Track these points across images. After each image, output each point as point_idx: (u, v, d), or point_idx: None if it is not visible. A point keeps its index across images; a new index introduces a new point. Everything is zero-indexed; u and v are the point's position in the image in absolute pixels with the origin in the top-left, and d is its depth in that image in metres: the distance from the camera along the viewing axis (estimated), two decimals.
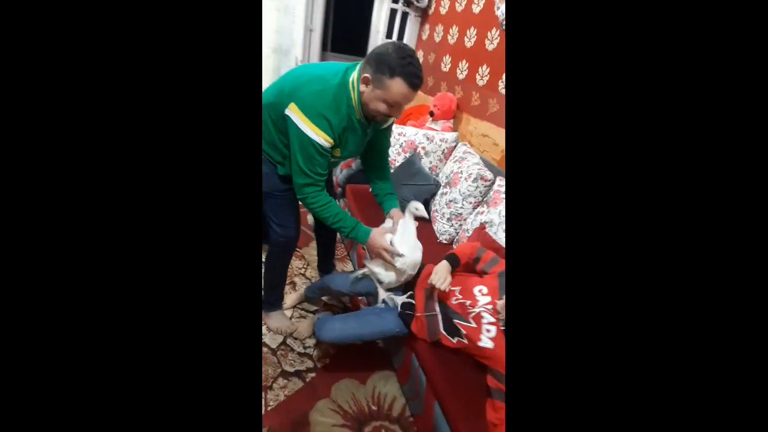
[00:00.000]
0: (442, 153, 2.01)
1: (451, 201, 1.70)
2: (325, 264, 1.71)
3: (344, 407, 1.27)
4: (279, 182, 1.20)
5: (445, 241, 1.73)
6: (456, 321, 1.10)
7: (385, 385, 1.36)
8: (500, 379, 0.96)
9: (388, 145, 1.31)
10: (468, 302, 1.09)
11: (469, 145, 1.93)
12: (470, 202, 1.65)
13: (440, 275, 1.09)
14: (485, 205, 1.56)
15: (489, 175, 1.62)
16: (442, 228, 1.73)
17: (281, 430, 1.16)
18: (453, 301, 1.13)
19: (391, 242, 1.19)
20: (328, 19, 2.91)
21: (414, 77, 0.94)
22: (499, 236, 1.36)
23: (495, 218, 1.43)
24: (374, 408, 1.28)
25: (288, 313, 1.58)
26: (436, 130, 2.12)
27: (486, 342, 1.02)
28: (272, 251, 1.38)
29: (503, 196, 1.48)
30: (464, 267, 1.21)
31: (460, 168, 1.75)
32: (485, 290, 1.09)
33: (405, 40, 2.81)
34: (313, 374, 1.36)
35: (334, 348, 1.45)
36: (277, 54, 2.57)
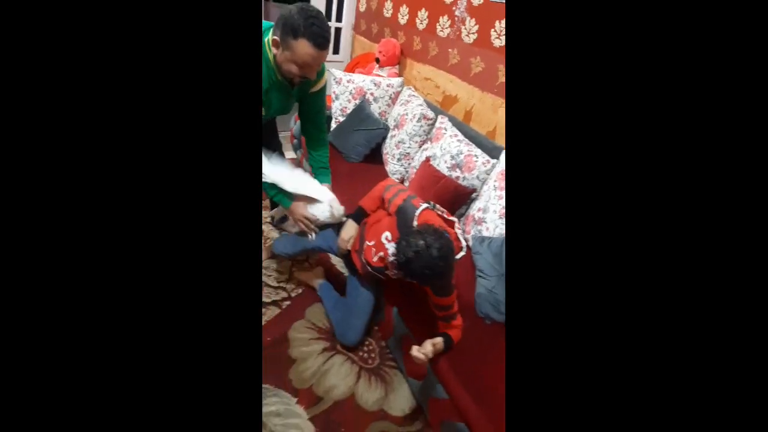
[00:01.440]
0: (390, 98, 2.12)
1: (399, 142, 1.85)
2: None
3: (318, 324, 1.47)
4: None
5: (396, 180, 1.90)
6: (386, 273, 1.16)
7: None
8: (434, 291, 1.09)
9: (320, 111, 1.29)
10: (381, 254, 1.13)
11: (413, 89, 2.05)
12: (416, 141, 1.81)
13: (344, 236, 1.23)
14: (429, 142, 1.73)
15: (431, 113, 1.77)
16: (393, 168, 1.89)
17: (265, 347, 1.35)
18: (374, 259, 1.16)
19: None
20: None
21: (318, 37, 0.93)
22: (441, 167, 1.55)
23: (437, 152, 1.60)
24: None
25: None
26: (383, 77, 2.21)
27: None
28: None
29: (444, 131, 1.65)
30: (377, 211, 1.24)
31: (405, 110, 1.89)
32: (390, 236, 1.11)
33: None
34: (288, 302, 1.54)
35: (305, 282, 1.63)
36: None
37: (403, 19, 2.24)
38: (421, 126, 1.78)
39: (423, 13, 2.05)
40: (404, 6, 2.21)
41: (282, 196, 1.27)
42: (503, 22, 1.54)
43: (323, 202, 1.26)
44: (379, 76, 2.24)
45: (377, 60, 2.29)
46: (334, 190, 1.33)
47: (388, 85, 2.11)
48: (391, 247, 1.09)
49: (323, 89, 1.24)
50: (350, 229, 1.25)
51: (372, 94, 2.11)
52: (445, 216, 1.09)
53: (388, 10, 2.39)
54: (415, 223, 1.04)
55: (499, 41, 1.58)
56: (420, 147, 1.82)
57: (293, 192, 1.25)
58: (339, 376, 1.31)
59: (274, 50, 1.01)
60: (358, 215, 1.26)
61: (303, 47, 0.95)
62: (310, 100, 1.25)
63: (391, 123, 2.00)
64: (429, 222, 1.02)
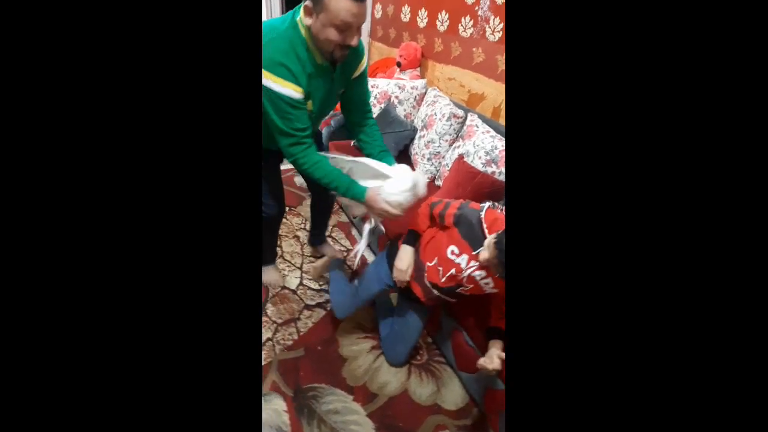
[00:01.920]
0: (414, 100, 2.16)
1: (429, 142, 1.88)
2: (317, 235, 1.71)
3: (363, 323, 1.50)
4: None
5: (427, 179, 1.93)
6: (457, 292, 1.10)
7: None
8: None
9: (367, 96, 1.21)
10: (452, 271, 1.05)
11: (438, 90, 2.08)
12: (446, 140, 1.84)
13: (401, 266, 1.11)
14: (461, 140, 1.75)
15: (460, 112, 1.80)
16: (424, 168, 1.92)
17: (315, 346, 1.38)
18: (441, 280, 1.08)
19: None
20: None
21: None
22: (475, 163, 1.57)
23: (470, 149, 1.63)
24: None
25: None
26: (405, 80, 2.25)
27: (490, 290, 1.04)
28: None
29: (476, 128, 1.68)
30: (429, 228, 1.15)
31: (433, 111, 1.92)
32: (456, 250, 1.04)
33: None
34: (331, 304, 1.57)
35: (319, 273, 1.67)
36: None
37: (422, 23, 2.28)
38: (451, 125, 1.81)
39: (443, 15, 2.09)
40: (423, 9, 2.25)
41: (354, 190, 1.11)
42: None
43: (405, 180, 1.09)
44: (401, 79, 2.28)
45: (398, 64, 2.33)
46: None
47: (412, 88, 2.15)
48: (463, 260, 1.02)
49: (365, 72, 1.15)
50: (406, 256, 1.13)
51: (397, 97, 2.15)
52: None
53: (405, 15, 2.43)
54: (484, 225, 0.98)
55: None
56: (451, 146, 1.84)
57: (368, 181, 1.12)
58: (390, 373, 1.33)
59: (307, 20, 0.91)
60: (411, 239, 1.15)
61: (340, 2, 0.84)
62: (355, 86, 1.14)
63: (418, 124, 2.03)
64: (496, 219, 0.99)
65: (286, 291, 1.60)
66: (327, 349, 1.39)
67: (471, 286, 1.05)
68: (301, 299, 1.57)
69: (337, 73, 1.05)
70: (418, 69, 2.35)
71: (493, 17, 1.76)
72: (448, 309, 1.30)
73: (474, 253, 0.99)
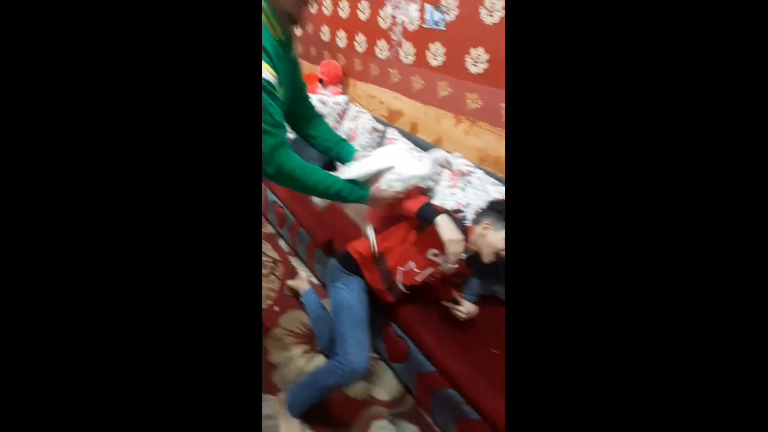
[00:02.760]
0: (337, 114, 2.26)
1: None
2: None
3: (294, 330, 1.50)
4: None
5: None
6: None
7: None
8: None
9: (304, 84, 1.08)
10: (429, 270, 1.13)
11: (359, 105, 2.21)
12: (369, 152, 1.96)
13: (455, 238, 0.97)
14: None
15: (381, 126, 1.94)
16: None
17: None
18: (418, 279, 1.16)
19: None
20: None
21: None
22: None
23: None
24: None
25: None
26: (328, 95, 2.35)
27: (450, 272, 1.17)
28: None
29: (395, 141, 1.82)
30: (393, 235, 1.18)
31: (356, 125, 2.03)
32: (437, 251, 1.09)
33: None
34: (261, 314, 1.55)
35: (273, 294, 1.65)
36: None
37: (341, 43, 2.41)
38: (373, 137, 1.94)
39: (361, 37, 2.25)
40: (341, 30, 2.39)
41: (353, 189, 0.99)
42: (437, 44, 1.78)
43: (423, 161, 1.05)
44: (323, 95, 2.37)
45: (320, 80, 2.42)
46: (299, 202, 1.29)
47: (335, 103, 2.25)
48: (442, 259, 1.09)
49: (297, 59, 1.02)
50: (450, 225, 0.99)
51: (320, 112, 2.22)
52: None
53: (325, 35, 2.55)
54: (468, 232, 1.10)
55: (435, 61, 1.82)
56: None
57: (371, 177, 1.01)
58: None
59: None
60: (434, 210, 1.03)
61: None
62: (295, 74, 0.99)
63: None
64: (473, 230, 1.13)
65: None
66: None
67: (438, 277, 1.18)
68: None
69: (293, 52, 0.91)
70: (340, 86, 2.47)
71: (404, 41, 1.95)
72: (378, 306, 1.37)
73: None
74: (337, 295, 1.18)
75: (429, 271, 1.15)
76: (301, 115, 1.07)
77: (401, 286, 1.18)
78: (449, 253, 0.98)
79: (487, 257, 1.07)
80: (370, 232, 1.16)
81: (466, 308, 1.15)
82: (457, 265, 1.13)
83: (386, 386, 1.36)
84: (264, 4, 0.80)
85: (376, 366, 1.42)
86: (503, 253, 1.06)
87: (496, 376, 1.06)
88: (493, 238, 1.06)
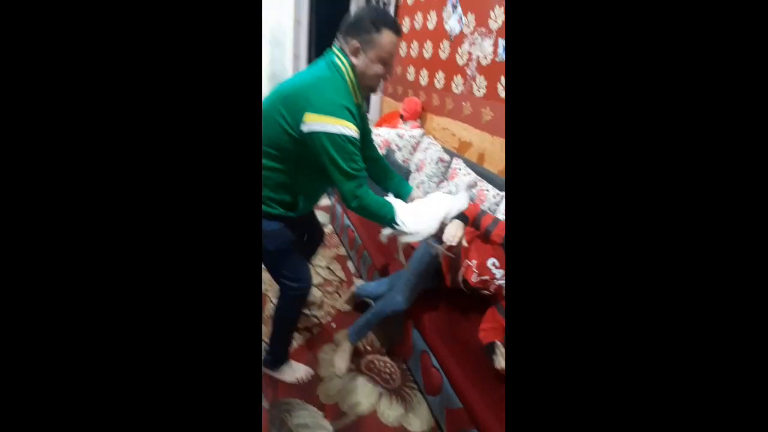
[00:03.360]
0: (412, 146, 2.37)
1: (420, 183, 2.05)
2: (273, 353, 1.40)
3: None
4: (290, 233, 1.13)
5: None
6: (479, 292, 1.29)
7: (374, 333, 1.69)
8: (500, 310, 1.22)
9: (370, 131, 1.24)
10: (486, 277, 1.24)
11: (432, 138, 2.30)
12: (434, 181, 2.01)
13: (452, 232, 1.12)
14: (446, 181, 1.92)
15: (446, 156, 1.98)
16: None
17: (302, 361, 1.47)
18: (473, 279, 1.26)
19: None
20: (311, 45, 3.36)
21: (396, 24, 0.96)
22: None
23: (452, 188, 1.79)
24: (368, 348, 1.60)
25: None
26: (406, 129, 2.49)
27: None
28: (287, 307, 1.27)
29: (458, 170, 1.84)
30: (471, 225, 1.26)
31: (425, 156, 2.12)
32: (497, 263, 1.23)
33: None
34: (318, 328, 1.68)
35: (333, 311, 1.78)
36: (272, 81, 3.04)
37: (423, 81, 2.56)
38: (438, 167, 1.99)
39: (440, 75, 2.36)
40: (424, 69, 2.54)
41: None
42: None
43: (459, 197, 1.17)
44: (402, 129, 2.53)
45: (401, 116, 2.59)
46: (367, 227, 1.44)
47: (410, 136, 2.38)
48: (499, 273, 1.21)
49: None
50: (459, 228, 1.15)
51: (396, 144, 2.38)
52: None
53: (410, 74, 2.74)
54: None
55: (505, 93, 1.80)
56: (438, 185, 2.00)
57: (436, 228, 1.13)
58: (362, 394, 1.39)
59: (354, 59, 0.97)
60: (463, 218, 1.18)
61: (387, 37, 0.94)
62: (365, 120, 1.16)
63: (412, 167, 2.23)
64: None
65: None
66: None
67: (495, 293, 1.26)
68: None
69: (363, 111, 1.10)
70: (419, 120, 2.60)
71: (479, 76, 1.99)
72: (420, 329, 1.37)
73: None
74: (419, 249, 1.38)
75: (486, 277, 1.25)
76: (368, 155, 1.21)
77: (461, 278, 1.30)
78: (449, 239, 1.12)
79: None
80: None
81: (503, 362, 1.09)
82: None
83: (419, 417, 1.33)
84: (352, 74, 0.99)
85: (412, 395, 1.40)
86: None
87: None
88: None
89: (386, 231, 1.16)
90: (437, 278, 1.37)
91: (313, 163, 0.98)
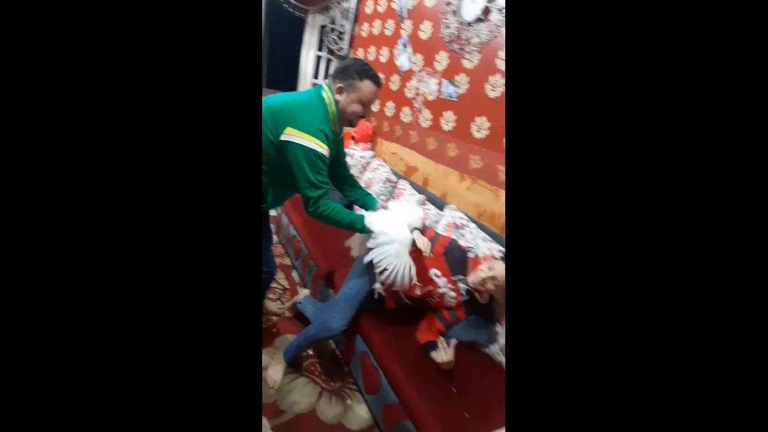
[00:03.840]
0: (362, 166, 2.53)
1: None
2: None
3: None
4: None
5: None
6: (423, 301, 1.41)
7: None
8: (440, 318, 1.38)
9: (344, 154, 1.54)
10: (430, 287, 1.35)
11: (382, 160, 2.47)
12: (381, 199, 2.16)
13: (423, 240, 1.28)
14: (392, 199, 2.09)
15: (394, 178, 2.16)
16: None
17: None
18: (418, 292, 1.37)
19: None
20: (263, 63, 3.43)
21: (377, 78, 1.20)
22: None
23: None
24: (310, 351, 1.65)
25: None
26: (357, 150, 2.65)
27: (449, 302, 1.37)
28: None
29: (404, 191, 2.02)
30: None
31: (374, 175, 2.27)
32: (439, 273, 1.35)
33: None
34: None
35: (275, 318, 1.80)
36: None
37: (374, 108, 2.76)
38: (386, 187, 2.15)
39: (390, 104, 2.58)
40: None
41: (364, 219, 1.31)
42: (450, 112, 2.03)
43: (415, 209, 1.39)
44: (354, 150, 2.68)
45: (353, 138, 2.75)
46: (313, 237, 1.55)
47: (360, 157, 2.53)
48: (442, 281, 1.35)
49: (343, 138, 1.47)
50: (424, 238, 1.32)
51: (347, 162, 2.51)
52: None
53: None
54: (469, 263, 1.36)
55: (447, 126, 2.05)
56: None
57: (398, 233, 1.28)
58: (302, 395, 1.43)
59: (338, 96, 1.20)
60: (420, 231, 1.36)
61: (367, 86, 1.18)
62: (340, 148, 1.45)
63: (362, 185, 2.37)
64: (476, 261, 1.37)
65: None
66: None
67: (438, 301, 1.38)
68: None
69: (337, 137, 1.33)
70: (370, 143, 2.78)
71: (425, 109, 2.23)
72: (360, 331, 1.46)
73: (453, 279, 1.34)
74: (351, 273, 1.49)
75: (429, 288, 1.36)
76: (340, 173, 1.53)
77: (402, 295, 1.39)
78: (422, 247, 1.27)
79: (480, 281, 1.26)
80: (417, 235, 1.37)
81: (446, 355, 1.22)
82: (454, 294, 1.33)
83: (357, 417, 1.40)
84: (334, 108, 1.20)
85: (352, 396, 1.47)
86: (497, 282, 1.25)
87: (452, 415, 1.10)
88: (500, 268, 1.26)
89: (354, 241, 1.34)
90: (378, 301, 1.44)
91: (286, 169, 1.17)
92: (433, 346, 1.27)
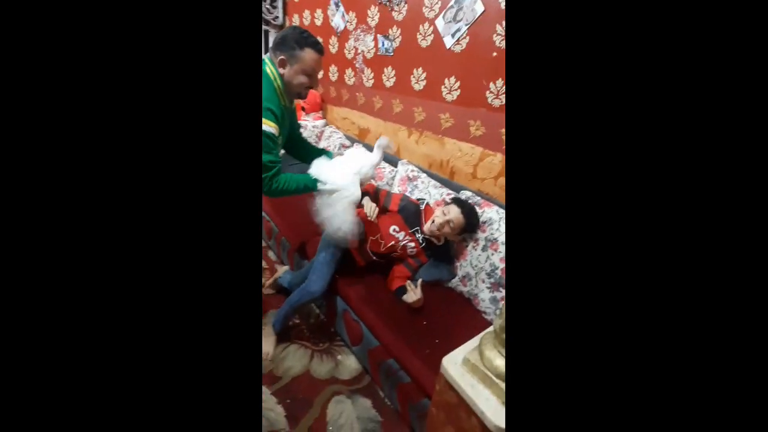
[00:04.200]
0: (316, 136, 2.53)
1: None
2: None
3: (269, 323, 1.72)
4: None
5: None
6: (389, 256, 1.52)
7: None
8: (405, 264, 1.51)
9: (299, 125, 1.55)
10: (391, 243, 1.47)
11: (335, 127, 2.48)
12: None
13: (369, 205, 1.36)
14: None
15: (348, 143, 2.19)
16: None
17: None
18: (381, 249, 1.49)
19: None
20: None
21: (318, 45, 1.17)
22: None
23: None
24: (296, 321, 1.76)
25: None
26: (309, 120, 2.64)
27: (410, 253, 1.51)
28: None
29: None
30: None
31: (328, 143, 2.30)
32: (397, 228, 1.48)
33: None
34: None
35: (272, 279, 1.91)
36: None
37: (319, 74, 2.72)
38: (341, 153, 2.18)
39: (333, 68, 2.54)
40: None
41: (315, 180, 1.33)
42: (389, 68, 2.03)
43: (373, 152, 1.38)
44: (305, 121, 2.66)
45: (303, 109, 2.72)
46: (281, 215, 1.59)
47: (313, 126, 2.53)
48: (401, 236, 1.47)
49: (295, 109, 1.45)
50: (371, 204, 1.39)
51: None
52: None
53: None
54: (423, 214, 1.48)
55: (389, 82, 2.06)
56: None
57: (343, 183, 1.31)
58: (295, 359, 1.55)
59: (281, 70, 1.18)
60: (371, 195, 1.46)
61: (309, 54, 1.16)
62: (294, 116, 1.41)
63: None
64: (428, 210, 1.49)
65: None
66: None
67: (401, 252, 1.50)
68: None
69: (289, 109, 1.32)
70: (321, 112, 2.76)
71: (366, 68, 2.22)
72: (341, 294, 1.57)
73: (410, 231, 1.47)
74: (322, 242, 1.56)
75: (391, 243, 1.48)
76: (300, 145, 1.54)
77: (370, 252, 1.51)
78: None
79: (438, 227, 1.40)
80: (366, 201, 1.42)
81: (415, 295, 1.35)
82: (413, 245, 1.47)
83: (348, 366, 1.54)
84: (279, 82, 1.19)
85: (340, 351, 1.61)
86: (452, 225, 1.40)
87: (422, 344, 1.24)
88: (449, 214, 1.39)
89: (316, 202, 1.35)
90: (348, 260, 1.55)
91: None
92: (403, 290, 1.39)
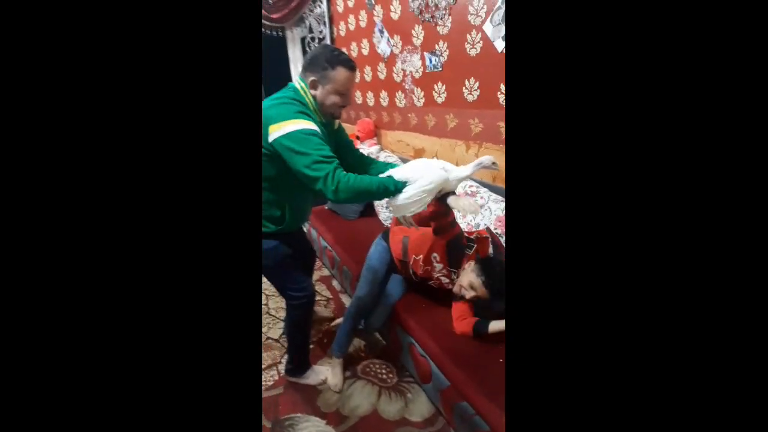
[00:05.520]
0: None
1: None
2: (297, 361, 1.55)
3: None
4: (286, 248, 1.26)
5: (387, 226, 2.19)
6: (427, 284, 1.44)
7: (363, 340, 1.77)
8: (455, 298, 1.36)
9: (351, 141, 1.38)
10: (429, 268, 1.38)
11: (389, 151, 2.45)
12: None
13: (468, 201, 1.15)
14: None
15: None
16: (384, 216, 2.21)
17: (293, 383, 1.53)
18: (420, 271, 1.40)
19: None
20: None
21: (350, 62, 1.10)
22: None
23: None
24: (362, 354, 1.68)
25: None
26: (364, 147, 2.65)
27: (446, 285, 1.39)
28: (297, 316, 1.39)
29: None
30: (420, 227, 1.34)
31: None
32: (438, 257, 1.34)
33: None
34: (312, 344, 1.75)
35: (323, 328, 1.86)
36: None
37: (370, 102, 2.74)
38: None
39: (384, 94, 2.54)
40: (369, 91, 2.73)
41: (400, 184, 1.10)
42: (439, 83, 1.96)
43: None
44: (361, 148, 2.68)
45: (358, 137, 2.75)
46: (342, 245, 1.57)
47: (368, 153, 2.53)
48: (438, 267, 1.36)
49: (341, 126, 1.33)
50: (468, 199, 1.30)
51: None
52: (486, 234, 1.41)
53: (358, 98, 2.92)
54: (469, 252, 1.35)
55: (440, 98, 1.98)
56: None
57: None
58: (362, 397, 1.46)
59: (313, 92, 1.12)
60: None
61: (341, 73, 1.09)
62: (340, 135, 1.32)
63: None
64: (469, 258, 1.34)
65: (270, 341, 1.79)
66: (303, 385, 1.53)
67: (437, 285, 1.42)
68: (283, 346, 1.75)
69: (329, 128, 1.22)
70: (375, 138, 2.76)
71: (416, 88, 2.17)
72: (402, 325, 1.47)
73: (449, 268, 1.34)
74: (370, 249, 1.56)
75: (428, 268, 1.38)
76: (356, 155, 1.38)
77: (411, 271, 1.45)
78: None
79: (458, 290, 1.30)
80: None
81: (496, 325, 1.22)
82: (448, 281, 1.35)
83: (419, 406, 1.41)
84: (313, 102, 1.13)
85: (410, 388, 1.48)
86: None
87: (500, 387, 1.07)
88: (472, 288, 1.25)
89: (397, 205, 1.12)
90: (393, 272, 1.52)
91: (291, 175, 1.06)
92: (485, 325, 1.24)
